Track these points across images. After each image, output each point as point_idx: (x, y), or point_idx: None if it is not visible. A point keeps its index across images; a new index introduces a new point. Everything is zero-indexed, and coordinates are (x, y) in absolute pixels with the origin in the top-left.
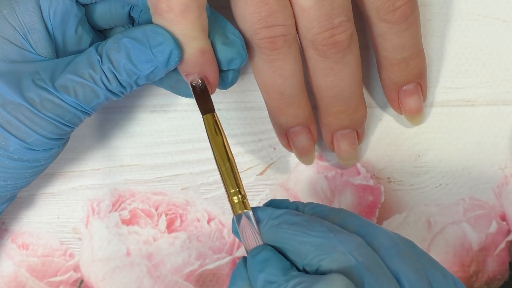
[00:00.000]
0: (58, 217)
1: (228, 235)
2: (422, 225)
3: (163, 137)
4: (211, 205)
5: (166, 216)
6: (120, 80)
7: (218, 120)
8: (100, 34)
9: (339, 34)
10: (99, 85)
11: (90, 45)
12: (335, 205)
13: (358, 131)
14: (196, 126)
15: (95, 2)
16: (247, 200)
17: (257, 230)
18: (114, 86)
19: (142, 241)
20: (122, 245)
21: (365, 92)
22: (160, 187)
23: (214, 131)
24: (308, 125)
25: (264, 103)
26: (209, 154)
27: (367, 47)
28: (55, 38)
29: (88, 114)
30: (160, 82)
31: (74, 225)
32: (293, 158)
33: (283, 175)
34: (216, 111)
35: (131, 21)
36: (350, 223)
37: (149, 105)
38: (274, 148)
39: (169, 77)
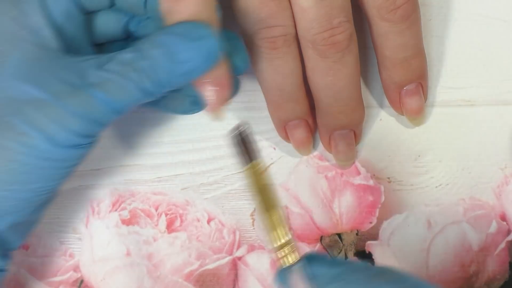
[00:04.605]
0: (58, 217)
1: (228, 235)
2: (422, 225)
3: (163, 137)
4: (211, 205)
5: (166, 216)
6: (155, 80)
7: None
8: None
9: (339, 34)
10: (132, 83)
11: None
12: (335, 205)
13: (355, 132)
14: (196, 126)
15: (92, 12)
16: (294, 252)
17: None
18: (148, 85)
19: (142, 241)
20: (122, 245)
21: (365, 92)
22: (160, 187)
23: (261, 181)
24: (306, 118)
25: (263, 103)
26: (209, 154)
27: (366, 47)
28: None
29: (118, 114)
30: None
31: (74, 225)
32: (293, 158)
33: (283, 175)
34: None
35: (127, 35)
36: (405, 280)
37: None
38: (274, 148)
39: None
